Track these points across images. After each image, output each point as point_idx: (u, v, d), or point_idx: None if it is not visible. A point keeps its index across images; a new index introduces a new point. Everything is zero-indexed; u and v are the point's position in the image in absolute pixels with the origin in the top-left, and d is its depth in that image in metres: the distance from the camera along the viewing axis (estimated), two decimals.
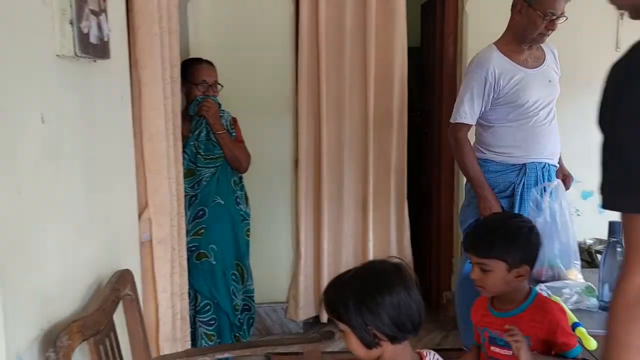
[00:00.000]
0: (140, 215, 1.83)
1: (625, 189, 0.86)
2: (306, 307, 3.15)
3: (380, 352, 1.21)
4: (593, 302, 1.96)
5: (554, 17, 2.25)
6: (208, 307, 2.47)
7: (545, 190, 2.25)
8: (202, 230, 2.45)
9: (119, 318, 1.52)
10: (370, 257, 3.17)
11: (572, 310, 1.90)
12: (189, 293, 2.34)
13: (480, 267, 1.53)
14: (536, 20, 2.27)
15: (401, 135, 3.15)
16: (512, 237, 1.53)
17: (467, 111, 2.38)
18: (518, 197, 2.43)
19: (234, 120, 2.63)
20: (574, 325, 1.80)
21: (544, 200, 2.21)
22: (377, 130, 3.10)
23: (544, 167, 2.43)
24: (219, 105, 2.53)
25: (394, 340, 1.21)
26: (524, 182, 2.42)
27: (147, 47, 1.72)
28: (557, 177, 2.50)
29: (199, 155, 2.45)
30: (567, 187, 2.60)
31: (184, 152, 2.25)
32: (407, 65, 3.11)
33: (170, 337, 1.80)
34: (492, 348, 1.59)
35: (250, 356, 2.88)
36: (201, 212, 2.46)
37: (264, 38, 3.02)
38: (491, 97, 2.36)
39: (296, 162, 3.10)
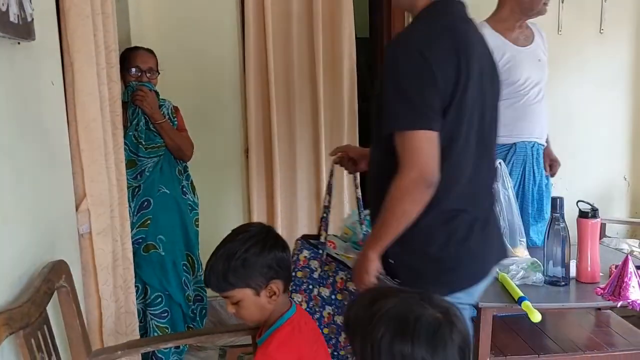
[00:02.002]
0: (78, 207, 1.76)
1: (401, 114, 1.34)
2: None
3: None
4: (538, 277, 2.00)
5: None
6: (159, 299, 2.41)
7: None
8: (149, 222, 2.38)
9: (56, 312, 1.46)
10: None
11: (518, 286, 1.94)
12: (137, 286, 2.31)
13: (230, 301, 1.39)
14: None
15: (352, 122, 3.15)
16: (246, 256, 1.36)
17: None
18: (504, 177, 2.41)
19: (176, 109, 2.56)
20: (520, 300, 1.83)
21: None
22: (328, 119, 3.09)
23: (532, 146, 2.46)
24: (157, 93, 2.45)
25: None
26: (512, 161, 2.44)
27: (79, 30, 1.64)
28: (544, 161, 2.52)
29: (140, 145, 2.38)
30: (553, 173, 2.59)
31: (124, 142, 2.15)
32: (359, 55, 3.11)
33: (114, 330, 1.74)
34: None
35: (207, 350, 2.85)
36: (146, 203, 2.39)
37: (210, 26, 2.96)
38: None
39: (246, 152, 3.06)
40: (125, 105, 2.28)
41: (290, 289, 1.82)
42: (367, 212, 1.91)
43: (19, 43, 1.38)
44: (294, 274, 1.88)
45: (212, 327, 1.85)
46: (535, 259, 2.09)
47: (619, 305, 1.83)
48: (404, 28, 1.62)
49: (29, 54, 1.44)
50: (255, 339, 1.58)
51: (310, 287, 1.88)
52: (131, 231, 2.20)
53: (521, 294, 1.86)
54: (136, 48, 2.49)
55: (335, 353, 1.86)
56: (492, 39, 2.32)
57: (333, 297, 1.87)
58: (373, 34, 3.67)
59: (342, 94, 3.09)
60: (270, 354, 1.35)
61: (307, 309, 1.87)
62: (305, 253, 1.90)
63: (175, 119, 2.53)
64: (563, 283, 1.98)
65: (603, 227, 2.93)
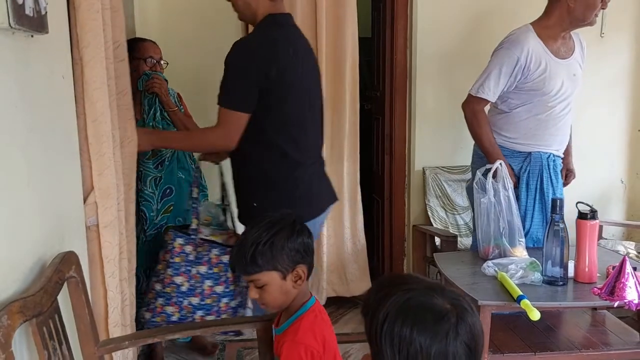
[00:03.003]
0: (86, 199, 1.77)
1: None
2: None
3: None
4: (537, 276, 2.04)
5: None
6: None
7: (488, 172, 2.31)
8: (171, 208, 2.52)
9: (65, 302, 1.48)
10: (325, 242, 3.19)
11: (517, 285, 1.97)
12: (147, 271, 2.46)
13: (254, 285, 1.41)
14: (595, 2, 2.25)
15: (354, 121, 3.18)
16: (274, 240, 1.38)
17: (491, 87, 2.33)
18: (523, 185, 2.43)
19: (179, 96, 2.66)
20: (519, 298, 1.87)
21: (487, 181, 2.27)
22: (329, 117, 3.11)
23: (548, 157, 2.43)
24: (166, 81, 2.53)
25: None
26: (528, 170, 2.42)
27: (88, 25, 1.65)
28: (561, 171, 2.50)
29: None
30: (566, 183, 2.59)
31: None
32: (361, 55, 3.13)
33: (120, 322, 1.76)
34: None
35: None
36: (168, 190, 2.54)
37: (213, 19, 2.98)
38: (517, 79, 2.31)
39: None
40: (138, 95, 2.41)
41: (171, 273, 2.09)
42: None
43: (32, 36, 1.40)
44: (172, 260, 2.11)
45: (220, 319, 1.87)
46: (534, 259, 2.13)
47: (615, 305, 1.87)
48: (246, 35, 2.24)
49: (41, 48, 1.46)
50: (261, 332, 1.60)
51: (189, 268, 2.13)
52: (155, 218, 2.50)
53: (520, 292, 1.89)
54: (144, 39, 2.58)
55: (218, 316, 2.13)
56: (534, 43, 2.30)
57: (210, 271, 2.13)
58: (375, 34, 3.69)
59: (345, 93, 3.11)
60: (300, 340, 1.37)
61: (190, 287, 2.12)
62: (179, 241, 2.15)
63: (181, 105, 2.64)
64: (561, 283, 2.02)
65: (600, 229, 2.97)
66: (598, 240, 2.92)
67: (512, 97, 2.40)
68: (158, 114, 2.48)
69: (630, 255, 2.88)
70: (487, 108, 2.49)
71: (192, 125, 2.59)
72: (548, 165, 2.43)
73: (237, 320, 1.69)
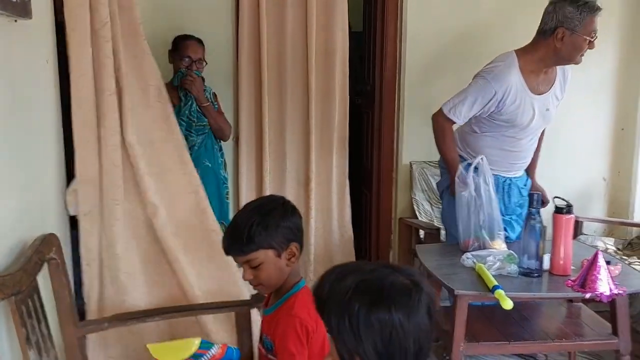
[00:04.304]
0: (68, 186, 1.80)
1: None
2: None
3: None
4: (514, 268, 2.08)
5: (596, 36, 2.24)
6: None
7: (470, 166, 2.35)
8: None
9: (45, 283, 1.51)
10: (312, 234, 3.22)
11: (494, 276, 2.01)
12: None
13: (249, 265, 1.43)
14: (582, 44, 2.24)
15: (343, 113, 3.20)
16: (268, 219, 1.42)
17: (462, 112, 2.37)
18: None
19: (215, 94, 2.89)
20: (494, 288, 1.91)
21: (468, 175, 2.31)
22: (319, 110, 3.13)
23: (504, 181, 2.49)
24: (203, 79, 2.77)
25: None
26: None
27: (74, 10, 1.68)
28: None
29: (192, 124, 2.74)
30: (544, 206, 2.47)
31: (180, 120, 2.63)
32: (354, 49, 3.15)
33: (97, 309, 1.78)
34: (259, 346, 1.51)
35: None
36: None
37: (204, 14, 3.00)
38: (491, 110, 2.36)
39: (237, 139, 3.11)
40: (175, 87, 2.71)
41: None
42: None
43: (15, 21, 1.42)
44: None
45: (200, 304, 1.88)
46: (512, 252, 2.17)
47: (587, 296, 1.91)
48: None
49: (24, 32, 1.49)
50: (240, 317, 1.64)
51: None
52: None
53: (495, 283, 1.93)
54: (188, 37, 2.78)
55: None
56: (516, 80, 2.31)
57: None
58: (366, 28, 3.72)
59: (334, 86, 3.13)
60: (296, 314, 1.40)
61: None
62: None
63: (216, 102, 2.88)
64: (536, 275, 2.06)
65: (581, 225, 3.01)
66: (578, 235, 2.99)
67: (484, 122, 2.44)
68: (194, 105, 2.74)
69: (609, 250, 2.93)
70: None
71: (222, 122, 2.86)
72: (503, 188, 2.49)
73: (217, 304, 1.72)
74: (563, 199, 2.10)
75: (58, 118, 1.74)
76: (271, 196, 1.53)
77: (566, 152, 3.20)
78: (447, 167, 2.51)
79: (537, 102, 2.37)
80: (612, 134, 3.34)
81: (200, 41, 2.80)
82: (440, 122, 2.46)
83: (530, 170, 2.63)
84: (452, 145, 2.46)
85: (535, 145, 2.54)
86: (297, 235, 1.47)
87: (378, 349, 0.93)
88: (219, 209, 2.83)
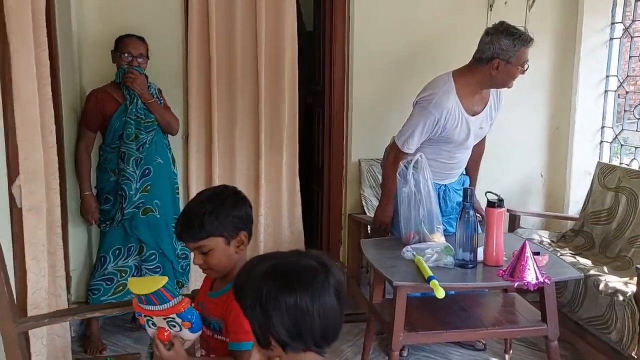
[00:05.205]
0: (12, 182, 1.80)
1: None
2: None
3: (276, 353, 1.05)
4: (450, 260, 2.19)
5: (527, 66, 2.45)
6: (153, 256, 2.84)
7: (410, 163, 2.46)
8: (149, 187, 2.78)
9: None
10: (262, 231, 3.27)
11: (431, 268, 2.12)
12: (133, 245, 2.78)
13: (199, 251, 1.49)
14: (514, 73, 2.44)
15: (292, 113, 3.25)
16: (220, 209, 1.48)
17: (414, 143, 2.51)
18: None
19: (160, 90, 2.93)
20: (429, 279, 2.02)
21: (408, 172, 2.42)
22: (268, 109, 3.18)
23: (440, 187, 2.64)
24: (146, 76, 2.79)
25: (285, 347, 1.04)
26: None
27: (15, 10, 1.68)
28: None
29: (140, 121, 2.76)
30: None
31: (128, 119, 2.70)
32: (308, 49, 3.20)
33: (39, 305, 1.79)
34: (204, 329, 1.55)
35: None
36: (147, 171, 2.78)
37: (153, 14, 3.01)
38: (432, 133, 2.51)
39: (186, 138, 3.13)
40: (119, 85, 2.74)
41: None
42: None
43: None
44: None
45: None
46: (449, 244, 2.28)
47: (515, 285, 2.04)
48: None
49: None
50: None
51: None
52: (135, 196, 2.74)
53: (431, 273, 2.04)
54: (129, 35, 2.79)
55: None
56: (453, 104, 2.47)
57: None
58: (315, 28, 3.79)
59: (283, 86, 3.18)
60: None
61: None
62: None
63: (162, 98, 2.91)
64: (471, 266, 2.18)
65: (518, 219, 3.17)
66: (516, 229, 3.14)
67: (424, 143, 2.58)
68: (140, 102, 2.75)
69: (544, 242, 3.10)
70: None
71: (169, 117, 2.88)
72: (439, 194, 2.63)
73: None
74: (495, 194, 2.22)
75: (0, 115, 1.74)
76: (223, 186, 1.61)
77: (506, 150, 3.35)
78: (383, 191, 2.70)
79: (472, 122, 2.54)
80: (547, 132, 3.52)
81: (141, 38, 2.81)
82: (394, 155, 2.60)
83: (470, 181, 2.80)
84: (395, 177, 2.58)
85: (469, 156, 2.70)
86: (246, 224, 1.54)
87: (288, 328, 0.99)
88: (173, 203, 2.93)
